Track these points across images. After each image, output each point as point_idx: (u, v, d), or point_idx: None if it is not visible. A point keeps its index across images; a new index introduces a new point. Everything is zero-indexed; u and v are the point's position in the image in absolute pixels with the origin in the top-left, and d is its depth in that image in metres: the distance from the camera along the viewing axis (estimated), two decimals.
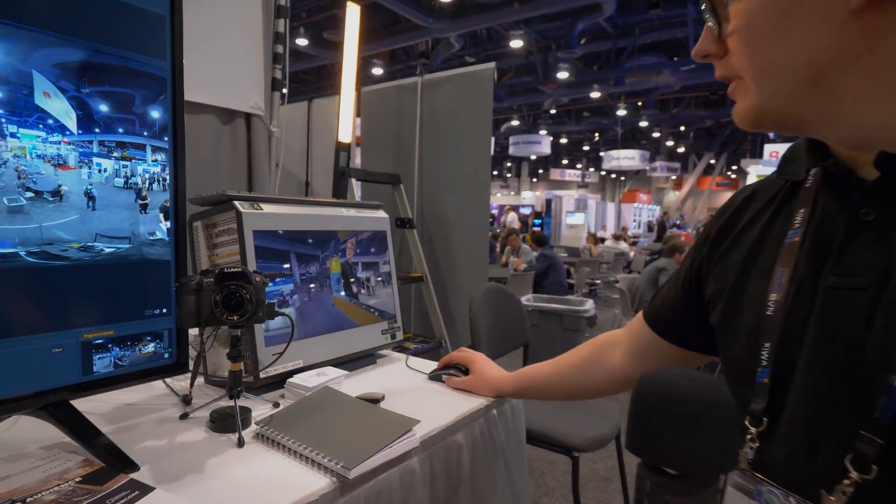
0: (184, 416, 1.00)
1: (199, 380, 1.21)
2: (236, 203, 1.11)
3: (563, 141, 23.20)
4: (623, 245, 10.63)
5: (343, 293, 1.31)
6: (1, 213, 0.75)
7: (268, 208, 1.16)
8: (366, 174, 2.42)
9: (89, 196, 0.85)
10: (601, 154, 22.59)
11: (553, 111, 17.60)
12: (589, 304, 4.08)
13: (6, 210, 0.76)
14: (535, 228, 14.27)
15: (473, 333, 1.99)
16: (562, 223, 14.67)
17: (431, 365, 1.40)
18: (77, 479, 0.76)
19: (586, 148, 25.25)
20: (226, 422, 0.96)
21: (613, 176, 28.91)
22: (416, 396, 1.17)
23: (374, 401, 1.07)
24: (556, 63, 12.11)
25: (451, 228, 2.69)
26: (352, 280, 1.33)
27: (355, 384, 1.22)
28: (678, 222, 20.07)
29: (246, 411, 0.99)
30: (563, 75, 12.34)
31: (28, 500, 0.70)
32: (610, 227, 17.50)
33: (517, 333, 2.29)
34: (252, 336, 1.09)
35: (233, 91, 1.94)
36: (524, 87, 13.91)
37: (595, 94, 14.43)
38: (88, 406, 1.00)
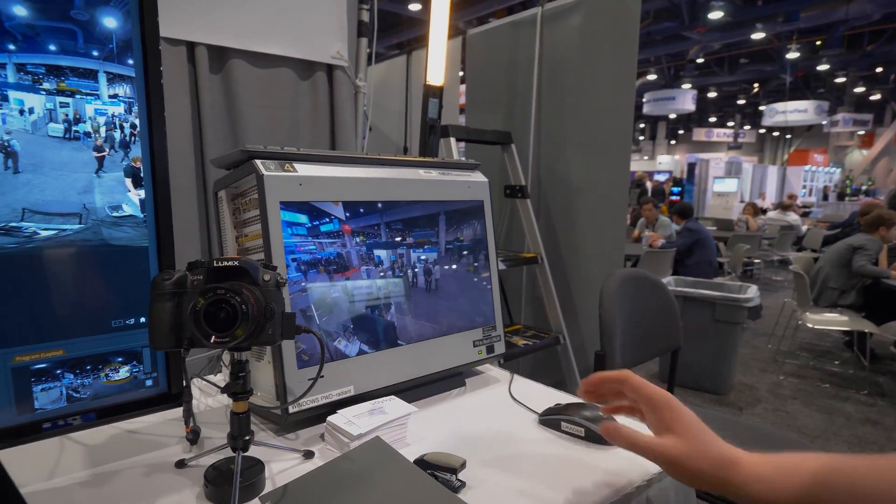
0: (181, 464, 0.71)
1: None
2: (257, 163, 0.77)
3: (712, 95, 20.41)
4: (792, 216, 8.82)
5: (420, 289, 0.93)
6: None
7: (305, 169, 0.82)
8: (468, 132, 2.00)
9: (7, 151, 0.56)
10: (761, 108, 19.45)
11: (700, 60, 15.35)
12: (752, 291, 3.28)
13: None
14: (674, 197, 12.76)
15: (604, 335, 1.51)
16: (707, 191, 12.86)
17: (545, 395, 0.98)
18: None
19: (741, 102, 22.00)
20: (223, 488, 0.64)
21: (776, 134, 24.92)
22: (518, 459, 0.76)
23: (449, 469, 0.69)
24: (706, 1, 10.39)
25: (576, 198, 2.18)
26: (432, 271, 0.95)
27: (429, 424, 0.85)
28: (866, 187, 16.55)
29: (256, 470, 0.67)
30: (715, 16, 10.53)
31: None
32: (770, 194, 15.04)
33: (665, 335, 1.75)
34: (279, 352, 0.77)
35: (311, 38, 1.63)
36: (664, 35, 12.20)
37: (757, 36, 12.16)
38: (76, 433, 0.75)
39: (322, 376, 0.80)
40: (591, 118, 2.10)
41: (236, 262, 0.62)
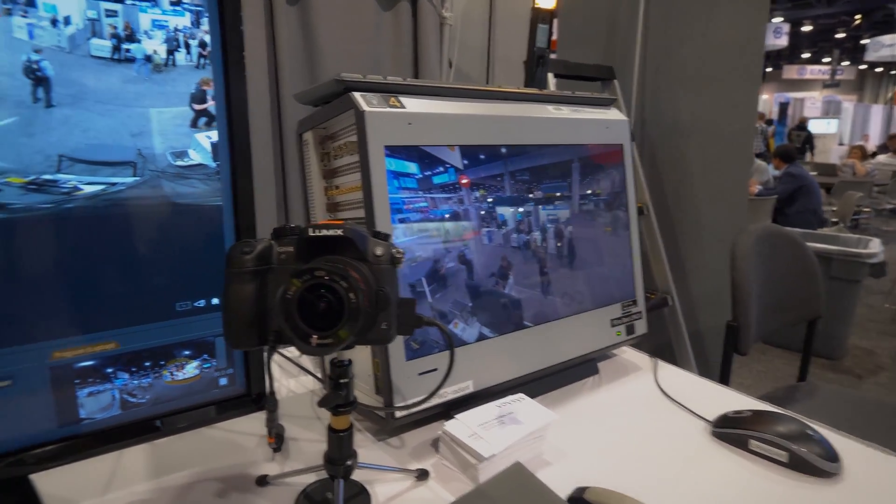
0: (262, 482, 0.57)
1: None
2: (356, 96, 0.59)
3: (806, 29, 18.19)
4: None
5: (550, 256, 0.74)
6: None
7: (415, 104, 0.62)
8: (566, 66, 1.72)
9: (36, 77, 0.40)
10: (863, 42, 17.21)
11: None
12: (875, 245, 2.87)
13: None
14: None
15: (737, 303, 1.28)
16: None
17: (702, 389, 0.78)
18: None
19: (840, 36, 19.50)
20: None
21: (879, 70, 22.12)
22: (705, 497, 0.58)
23: None
24: None
25: (688, 141, 1.88)
26: (564, 232, 0.75)
27: (568, 432, 0.67)
28: None
29: (360, 501, 0.52)
30: None
31: None
32: (874, 136, 13.46)
33: (805, 302, 1.50)
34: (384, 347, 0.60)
35: None
36: None
37: None
38: None
39: (435, 369, 0.64)
40: (709, 50, 1.77)
41: (340, 231, 0.45)
